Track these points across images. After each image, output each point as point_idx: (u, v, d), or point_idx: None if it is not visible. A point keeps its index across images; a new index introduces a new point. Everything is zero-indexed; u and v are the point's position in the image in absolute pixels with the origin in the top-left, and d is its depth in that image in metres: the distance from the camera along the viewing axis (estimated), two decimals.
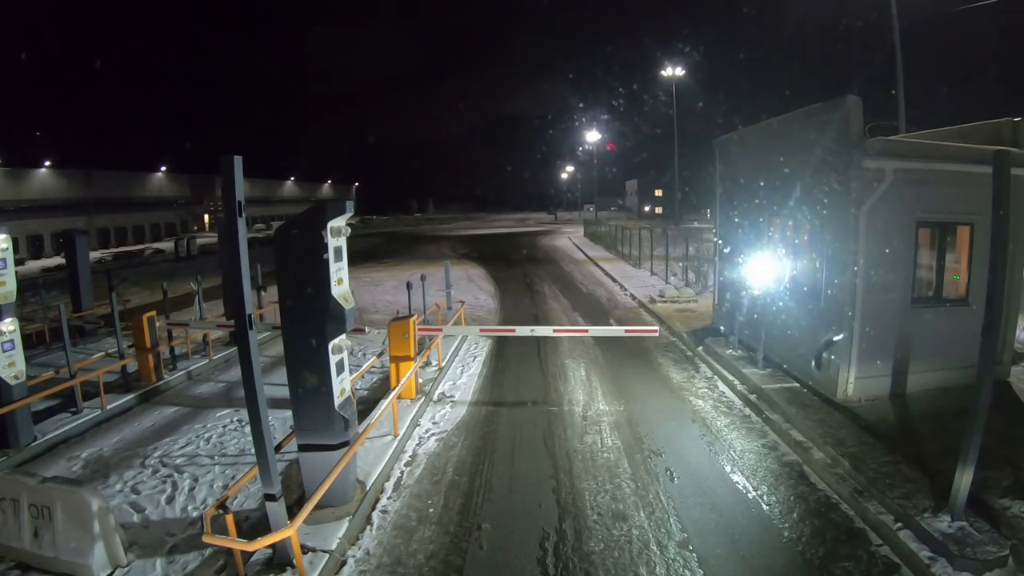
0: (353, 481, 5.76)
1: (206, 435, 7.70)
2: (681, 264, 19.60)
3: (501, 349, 11.59)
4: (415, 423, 7.86)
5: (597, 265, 25.45)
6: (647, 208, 73.59)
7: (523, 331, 9.40)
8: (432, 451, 7.10)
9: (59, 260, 29.82)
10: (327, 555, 4.85)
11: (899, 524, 5.05)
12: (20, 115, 54.93)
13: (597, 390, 9.12)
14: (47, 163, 47.44)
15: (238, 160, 4.00)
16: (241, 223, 4.06)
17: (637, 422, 7.76)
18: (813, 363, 8.07)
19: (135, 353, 9.58)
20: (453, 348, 11.26)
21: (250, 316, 4.18)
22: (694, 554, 4.93)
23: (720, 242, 12.03)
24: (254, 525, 5.39)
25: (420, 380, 9.00)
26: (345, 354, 5.53)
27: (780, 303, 9.27)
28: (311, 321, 5.13)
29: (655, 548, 5.02)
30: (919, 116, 15.82)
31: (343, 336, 5.41)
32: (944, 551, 4.61)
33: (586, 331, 10.96)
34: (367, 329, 10.81)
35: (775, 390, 8.21)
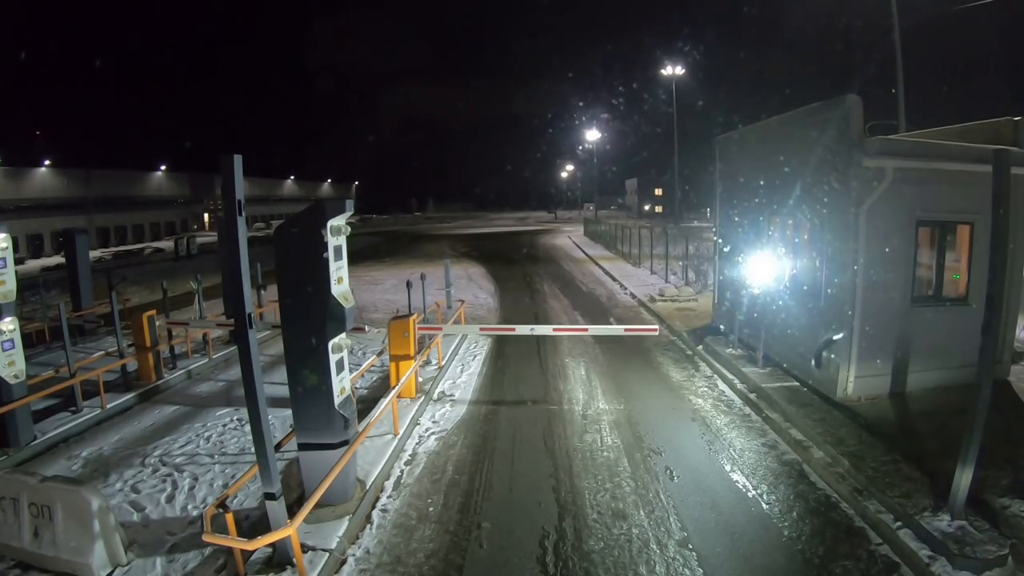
0: (353, 480, 5.76)
1: (206, 434, 7.70)
2: (681, 263, 19.59)
3: (501, 348, 11.59)
4: (415, 422, 7.86)
5: (597, 264, 25.44)
6: (647, 207, 73.54)
7: (523, 330, 9.42)
8: (432, 450, 7.10)
9: (59, 259, 29.80)
10: (327, 554, 4.85)
11: (899, 523, 5.05)
12: (20, 115, 54.96)
13: (597, 389, 9.12)
14: (47, 162, 47.46)
15: (238, 159, 4.00)
16: (241, 222, 4.06)
17: (637, 421, 7.77)
18: (813, 362, 8.06)
19: (135, 352, 9.59)
20: (453, 347, 11.26)
21: (250, 315, 4.18)
22: (694, 553, 4.93)
23: (720, 241, 12.02)
24: (254, 524, 5.39)
25: (420, 379, 9.00)
26: (345, 353, 5.53)
27: (780, 302, 9.27)
28: (311, 320, 5.13)
29: (655, 547, 5.02)
30: (919, 115, 15.81)
31: (343, 335, 5.40)
32: (944, 550, 4.61)
33: (586, 330, 10.95)
34: (367, 328, 10.79)
35: (775, 389, 8.21)
